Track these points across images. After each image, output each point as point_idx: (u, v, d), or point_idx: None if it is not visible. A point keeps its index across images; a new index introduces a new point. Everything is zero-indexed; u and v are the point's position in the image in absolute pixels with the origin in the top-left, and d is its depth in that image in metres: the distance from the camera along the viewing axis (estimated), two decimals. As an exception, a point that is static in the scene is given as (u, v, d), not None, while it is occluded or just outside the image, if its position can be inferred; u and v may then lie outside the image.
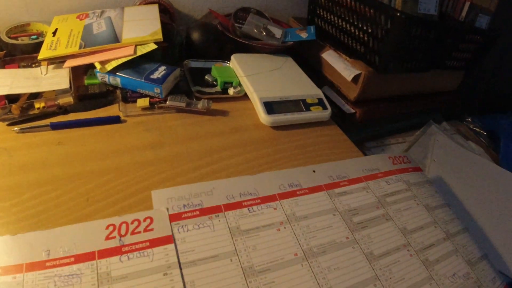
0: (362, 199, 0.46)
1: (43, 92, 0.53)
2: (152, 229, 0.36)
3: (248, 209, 0.40)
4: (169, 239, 0.35)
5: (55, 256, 0.32)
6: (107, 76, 0.57)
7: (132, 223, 0.36)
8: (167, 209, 0.38)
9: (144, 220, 0.36)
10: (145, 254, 0.34)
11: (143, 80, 0.55)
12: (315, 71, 0.74)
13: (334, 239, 0.40)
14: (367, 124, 0.66)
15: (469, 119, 0.85)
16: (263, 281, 0.35)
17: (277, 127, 0.57)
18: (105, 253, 0.33)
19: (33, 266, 0.31)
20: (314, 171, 0.46)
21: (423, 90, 0.75)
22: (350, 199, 0.45)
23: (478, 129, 0.82)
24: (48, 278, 0.30)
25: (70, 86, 0.54)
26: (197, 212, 0.39)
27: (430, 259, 0.42)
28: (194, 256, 0.35)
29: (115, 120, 0.52)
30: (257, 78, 0.62)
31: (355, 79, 0.63)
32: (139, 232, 0.35)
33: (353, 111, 0.63)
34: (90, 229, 0.35)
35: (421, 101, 0.74)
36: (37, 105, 0.51)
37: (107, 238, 0.34)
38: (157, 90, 0.56)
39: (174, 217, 0.38)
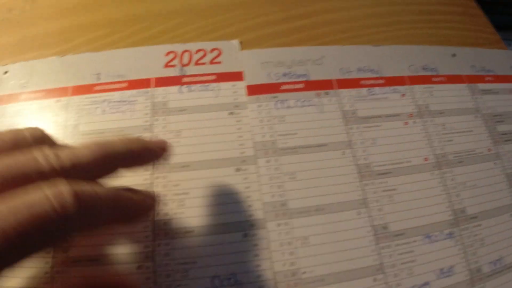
0: (509, 104, 0.33)
1: None
2: (219, 62, 0.29)
3: (367, 89, 0.29)
4: (239, 76, 0.29)
5: (106, 80, 0.27)
6: None
7: (196, 52, 0.29)
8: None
9: (211, 51, 0.29)
10: (210, 88, 0.28)
11: None
12: None
13: (473, 148, 0.29)
14: (498, 7, 0.49)
15: None
16: (382, 186, 0.26)
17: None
18: (162, 82, 0.28)
19: (80, 90, 0.27)
20: (454, 55, 0.33)
21: None
22: (496, 101, 0.33)
23: None
24: (95, 103, 0.26)
25: None
26: (302, 85, 0.28)
27: None
28: (295, 141, 0.26)
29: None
30: None
31: None
32: (204, 63, 0.29)
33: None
34: (146, 54, 0.29)
35: None
36: None
37: (166, 65, 0.28)
38: None
39: (270, 88, 0.28)
